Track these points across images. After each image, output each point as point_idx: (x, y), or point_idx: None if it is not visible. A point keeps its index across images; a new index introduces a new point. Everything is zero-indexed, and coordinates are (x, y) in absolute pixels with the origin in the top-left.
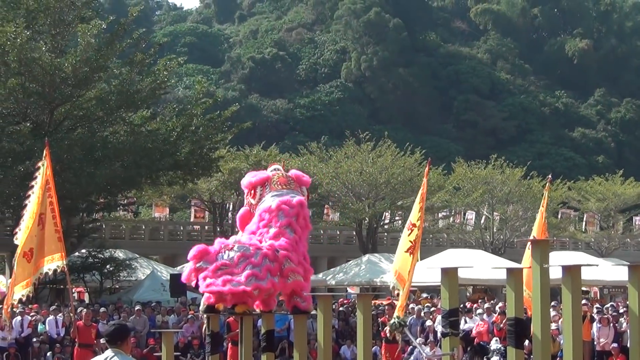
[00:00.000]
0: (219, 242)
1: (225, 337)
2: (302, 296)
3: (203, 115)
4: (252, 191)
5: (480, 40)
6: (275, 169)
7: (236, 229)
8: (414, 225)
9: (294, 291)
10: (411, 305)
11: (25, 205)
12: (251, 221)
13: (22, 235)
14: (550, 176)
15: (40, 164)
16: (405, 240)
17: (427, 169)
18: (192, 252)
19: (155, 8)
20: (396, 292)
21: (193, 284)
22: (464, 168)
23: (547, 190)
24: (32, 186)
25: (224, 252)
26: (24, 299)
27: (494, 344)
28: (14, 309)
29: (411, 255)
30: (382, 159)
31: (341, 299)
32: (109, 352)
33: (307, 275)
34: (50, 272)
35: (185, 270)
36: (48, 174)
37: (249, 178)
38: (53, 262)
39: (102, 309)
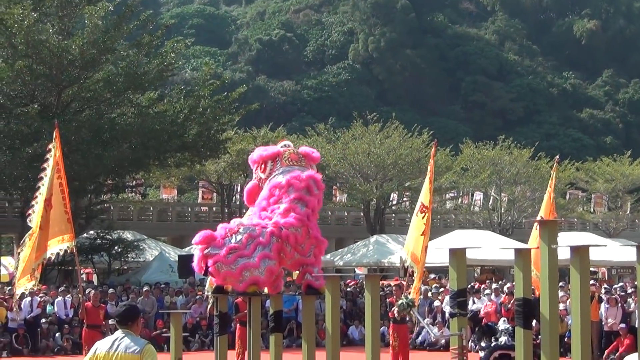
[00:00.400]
0: (222, 227)
1: (234, 318)
2: (312, 273)
3: (210, 97)
4: (263, 165)
5: (488, 21)
6: (285, 145)
7: (244, 210)
8: (426, 207)
9: (304, 269)
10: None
11: (39, 187)
12: (260, 196)
13: (36, 218)
14: (557, 157)
15: (50, 146)
16: (420, 222)
17: (433, 150)
18: (198, 237)
19: None
20: (411, 270)
21: (203, 271)
22: (471, 149)
23: (554, 171)
24: (44, 169)
25: (231, 236)
26: (36, 286)
27: (502, 324)
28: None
29: (423, 237)
30: (390, 140)
31: (349, 280)
32: (119, 333)
33: (321, 247)
34: (61, 252)
35: (195, 259)
36: (58, 156)
37: (260, 152)
38: (63, 243)
39: (111, 290)
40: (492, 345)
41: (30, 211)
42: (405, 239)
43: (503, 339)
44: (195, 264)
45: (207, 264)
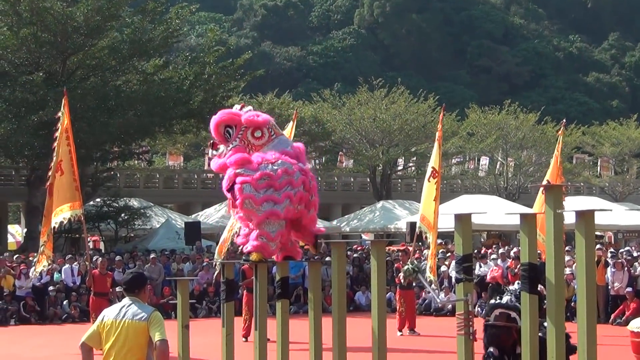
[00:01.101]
0: (258, 155)
1: (240, 285)
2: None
3: (216, 64)
4: (258, 131)
5: None
6: (250, 109)
7: None
8: (437, 172)
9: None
10: (425, 251)
11: (53, 158)
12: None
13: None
14: (564, 121)
15: (59, 113)
16: (432, 188)
17: (441, 115)
18: (233, 158)
19: None
20: (424, 236)
21: (228, 187)
22: (477, 114)
23: (561, 135)
24: (56, 137)
25: (266, 164)
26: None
27: (515, 285)
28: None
29: (435, 202)
30: (396, 105)
31: (355, 245)
32: (126, 301)
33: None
34: (73, 220)
35: (225, 177)
36: (66, 124)
37: (249, 116)
38: (72, 210)
39: (118, 258)
40: (495, 302)
41: (49, 183)
42: (412, 205)
43: (506, 298)
44: (224, 181)
45: (234, 181)
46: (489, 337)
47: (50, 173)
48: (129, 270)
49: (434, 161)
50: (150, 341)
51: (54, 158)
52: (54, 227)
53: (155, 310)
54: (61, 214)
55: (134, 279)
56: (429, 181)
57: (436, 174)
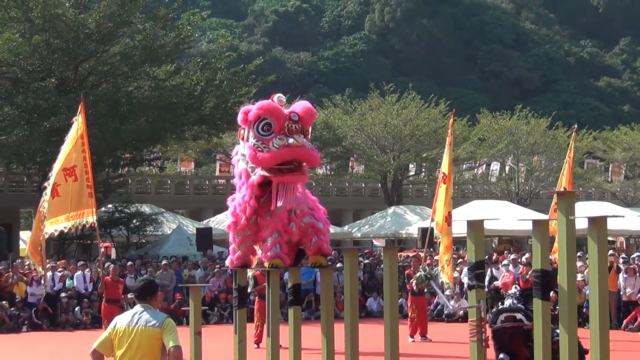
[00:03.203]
0: None
1: (252, 291)
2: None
3: (227, 69)
4: None
5: None
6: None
7: None
8: (447, 177)
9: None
10: (436, 257)
11: (57, 159)
12: None
13: (50, 189)
14: (575, 127)
15: (74, 119)
16: (443, 193)
17: (451, 120)
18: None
19: None
20: (438, 241)
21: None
22: (488, 119)
23: (573, 141)
24: (64, 141)
25: None
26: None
27: (513, 289)
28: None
29: (444, 206)
30: (407, 110)
31: (367, 251)
32: (138, 307)
33: None
34: (87, 226)
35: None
36: (82, 130)
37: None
38: (85, 217)
39: (129, 264)
40: (499, 308)
41: (46, 184)
42: (424, 210)
43: (508, 302)
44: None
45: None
46: (498, 342)
47: (51, 173)
48: (141, 277)
49: (444, 166)
50: (163, 347)
51: (58, 160)
52: (47, 234)
53: (168, 317)
54: (60, 223)
55: (146, 286)
56: (440, 187)
57: (446, 179)
